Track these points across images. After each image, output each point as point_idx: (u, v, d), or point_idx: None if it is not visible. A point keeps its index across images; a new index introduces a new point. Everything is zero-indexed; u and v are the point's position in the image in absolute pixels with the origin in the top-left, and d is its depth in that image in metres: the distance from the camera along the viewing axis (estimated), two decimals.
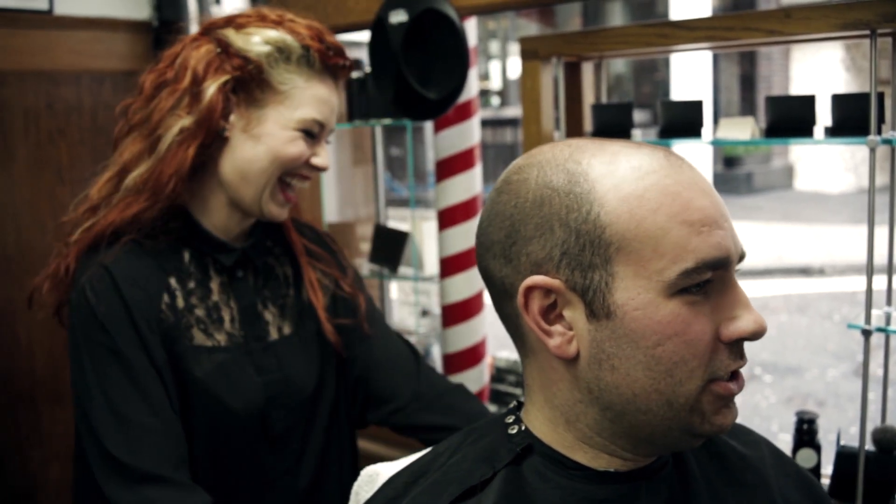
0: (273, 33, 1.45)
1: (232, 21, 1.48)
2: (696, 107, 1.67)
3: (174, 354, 1.43)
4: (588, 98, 1.89)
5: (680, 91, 12.12)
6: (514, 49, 15.01)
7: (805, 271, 8.72)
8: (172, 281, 1.46)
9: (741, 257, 0.87)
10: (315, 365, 1.59)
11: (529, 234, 0.86)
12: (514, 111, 13.87)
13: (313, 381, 1.58)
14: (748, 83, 14.06)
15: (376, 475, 1.09)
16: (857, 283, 8.03)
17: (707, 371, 0.83)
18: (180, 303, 1.45)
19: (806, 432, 1.70)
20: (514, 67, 15.06)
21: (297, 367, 1.55)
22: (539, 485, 0.89)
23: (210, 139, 1.44)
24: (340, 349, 1.63)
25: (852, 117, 1.50)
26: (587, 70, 1.90)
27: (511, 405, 0.99)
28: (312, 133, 1.47)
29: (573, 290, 0.85)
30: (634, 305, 0.82)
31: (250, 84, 1.44)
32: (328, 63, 1.48)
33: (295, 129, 1.45)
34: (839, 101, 1.52)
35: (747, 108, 13.90)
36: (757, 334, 0.84)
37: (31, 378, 2.52)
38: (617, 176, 0.84)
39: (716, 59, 12.96)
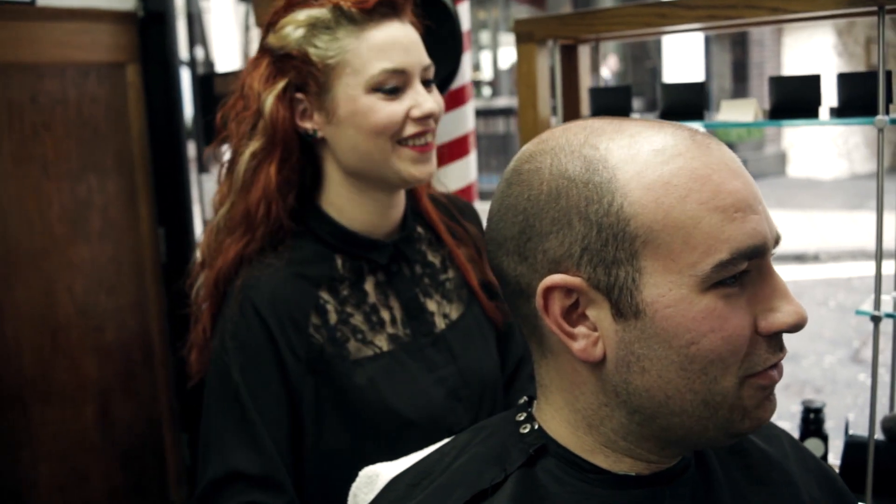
0: (301, 14, 1.36)
1: (270, 25, 1.41)
2: (698, 89, 1.63)
3: (330, 375, 1.36)
4: (585, 82, 1.85)
5: (672, 78, 12.10)
6: (506, 39, 14.97)
7: (800, 258, 8.70)
8: (323, 294, 1.38)
9: (777, 241, 0.80)
10: (488, 346, 1.51)
11: (545, 230, 0.79)
12: (506, 101, 13.81)
13: (490, 365, 1.49)
14: (740, 70, 14.01)
15: (376, 476, 1.04)
16: (852, 269, 8.02)
17: (743, 367, 0.77)
18: (332, 318, 1.38)
19: (812, 422, 1.68)
20: (506, 57, 15.01)
21: (471, 355, 1.47)
22: (554, 488, 0.83)
23: (291, 150, 1.38)
24: (501, 328, 1.55)
25: (859, 97, 1.45)
26: (583, 53, 1.85)
27: (521, 401, 0.93)
28: (392, 87, 1.34)
29: (596, 289, 0.78)
30: (666, 303, 0.75)
31: (307, 76, 1.36)
32: (367, 7, 1.34)
33: (367, 93, 1.33)
34: (845, 80, 1.48)
35: (740, 94, 13.82)
36: (798, 326, 0.78)
37: (19, 378, 2.48)
38: (639, 161, 0.77)
39: (707, 45, 12.92)
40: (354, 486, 1.08)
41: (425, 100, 1.36)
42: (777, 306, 0.78)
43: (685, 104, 1.63)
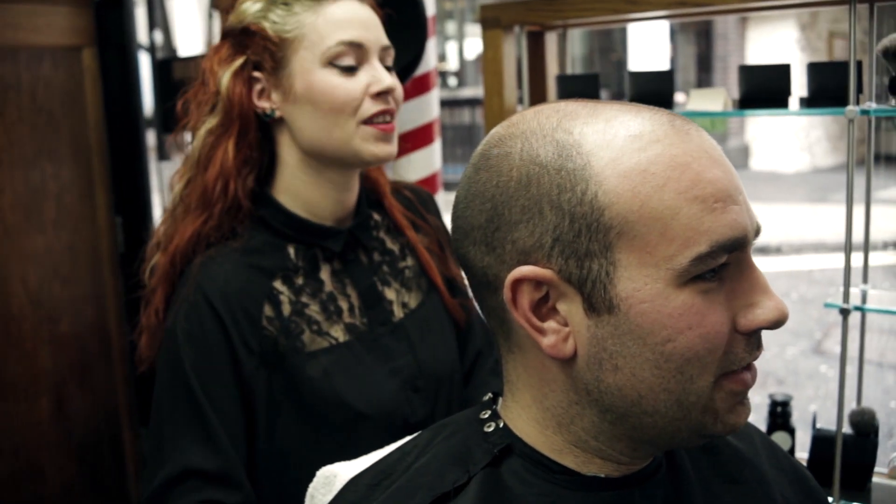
0: None
1: (230, 7, 1.39)
2: (666, 77, 1.60)
3: (283, 368, 1.33)
4: (552, 69, 1.82)
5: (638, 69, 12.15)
6: (472, 30, 14.96)
7: (762, 250, 8.75)
8: (277, 284, 1.35)
9: (757, 232, 0.77)
10: (446, 337, 1.48)
11: (515, 219, 0.75)
12: (471, 91, 13.81)
13: (448, 355, 1.47)
14: (705, 62, 14.10)
15: (333, 477, 1.00)
16: (814, 262, 8.09)
17: (720, 366, 0.74)
18: (286, 309, 1.34)
19: (780, 415, 1.66)
20: (472, 48, 15.01)
21: (429, 344, 1.44)
22: (519, 490, 0.79)
23: (249, 129, 1.35)
24: (462, 324, 1.53)
25: (829, 87, 1.44)
26: (550, 41, 1.82)
27: (485, 398, 0.89)
28: (349, 63, 1.31)
29: (568, 282, 0.74)
30: (640, 298, 0.71)
31: (264, 51, 1.33)
32: None
33: (323, 67, 1.30)
34: (816, 70, 1.46)
35: (704, 86, 13.93)
36: (779, 323, 0.75)
37: None
38: (615, 147, 0.72)
39: (672, 38, 12.98)
40: (311, 487, 1.04)
41: (384, 76, 1.33)
42: (757, 302, 0.75)
43: (653, 93, 1.61)
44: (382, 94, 1.33)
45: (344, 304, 1.39)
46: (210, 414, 1.28)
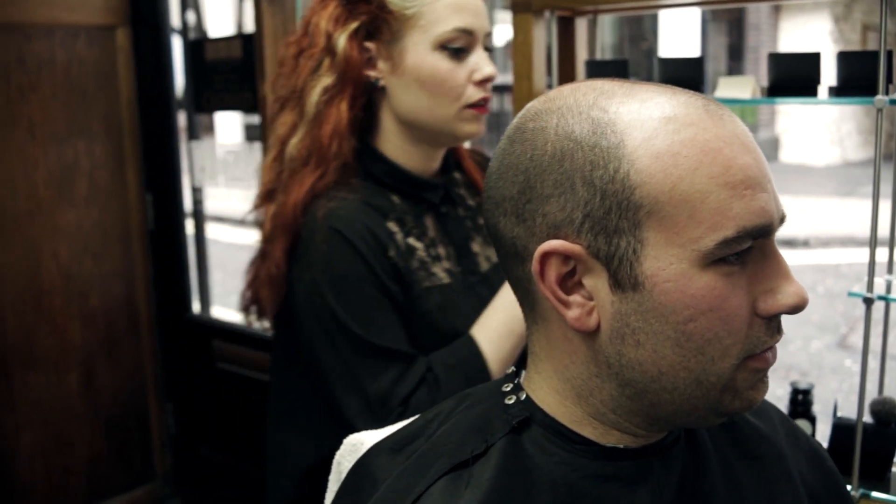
0: None
1: None
2: (696, 64, 1.60)
3: (407, 299, 1.40)
4: (581, 55, 1.82)
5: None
6: (500, 17, 14.90)
7: (790, 243, 8.71)
8: (391, 224, 1.42)
9: (782, 220, 0.77)
10: None
11: (547, 192, 0.76)
12: (500, 78, 13.79)
13: None
14: (736, 53, 14.00)
15: (360, 444, 1.02)
16: (841, 256, 8.04)
17: (742, 349, 0.75)
18: (402, 245, 1.42)
19: (801, 403, 1.66)
20: (500, 35, 14.95)
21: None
22: (540, 458, 0.81)
23: (360, 92, 1.42)
24: None
25: (859, 76, 1.43)
26: (581, 27, 1.83)
27: (509, 371, 0.91)
28: (460, 47, 1.39)
29: (596, 258, 0.75)
30: (665, 277, 0.73)
31: (380, 23, 1.40)
32: None
33: (436, 50, 1.38)
34: (845, 59, 1.45)
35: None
36: (798, 308, 0.75)
37: (2, 342, 2.46)
38: (649, 128, 0.74)
39: (704, 27, 12.87)
40: (339, 455, 1.06)
41: (486, 64, 1.42)
42: (778, 287, 0.76)
43: (682, 79, 1.61)
44: (483, 82, 1.41)
45: (442, 251, 1.47)
46: (374, 338, 1.36)
